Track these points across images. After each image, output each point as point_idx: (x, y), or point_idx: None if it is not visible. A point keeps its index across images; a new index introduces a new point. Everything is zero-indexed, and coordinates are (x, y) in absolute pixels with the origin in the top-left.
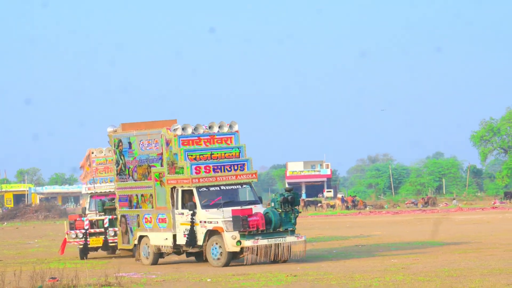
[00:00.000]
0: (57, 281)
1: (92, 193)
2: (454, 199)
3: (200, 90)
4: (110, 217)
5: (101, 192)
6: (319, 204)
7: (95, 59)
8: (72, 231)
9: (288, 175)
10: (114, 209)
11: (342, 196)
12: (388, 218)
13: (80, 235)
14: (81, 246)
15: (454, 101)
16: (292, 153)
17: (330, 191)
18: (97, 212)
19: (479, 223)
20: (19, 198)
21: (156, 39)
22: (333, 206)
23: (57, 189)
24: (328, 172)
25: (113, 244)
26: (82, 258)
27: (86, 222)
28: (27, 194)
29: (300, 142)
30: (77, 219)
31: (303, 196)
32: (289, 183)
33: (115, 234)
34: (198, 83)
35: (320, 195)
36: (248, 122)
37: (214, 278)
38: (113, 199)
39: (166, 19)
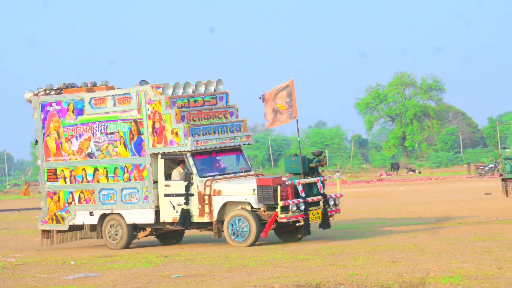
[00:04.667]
0: None
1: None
2: (337, 171)
3: None
4: (322, 179)
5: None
6: None
7: (95, 59)
8: (290, 201)
9: None
10: (322, 166)
11: None
12: None
13: (302, 207)
14: (301, 223)
15: (338, 67)
16: None
17: None
18: (303, 173)
19: (364, 196)
20: None
21: (156, 38)
22: None
23: None
24: None
25: (332, 219)
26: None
27: (300, 188)
28: None
29: None
30: (284, 182)
31: None
32: None
33: (335, 204)
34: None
35: None
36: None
37: (78, 261)
38: (321, 153)
39: (166, 19)
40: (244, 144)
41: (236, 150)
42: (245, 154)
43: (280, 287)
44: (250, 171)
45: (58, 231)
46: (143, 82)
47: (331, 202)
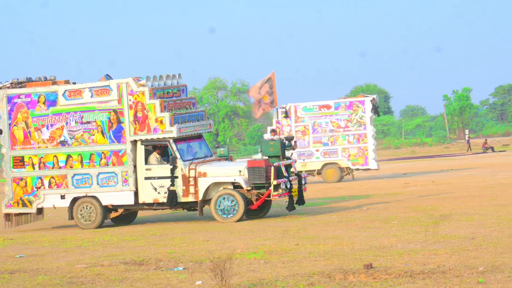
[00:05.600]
0: None
1: (181, 136)
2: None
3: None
4: (294, 161)
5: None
6: None
7: (95, 58)
8: (282, 181)
9: None
10: (294, 150)
11: None
12: None
13: (288, 185)
14: (287, 202)
15: (159, 69)
16: None
17: None
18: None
19: None
20: None
21: (156, 38)
22: None
23: None
24: None
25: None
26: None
27: (284, 169)
28: None
29: None
30: (273, 164)
31: None
32: None
33: (305, 183)
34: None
35: None
36: None
37: None
38: (292, 138)
39: (166, 19)
40: (206, 132)
41: (200, 137)
42: (206, 141)
43: (108, 264)
44: (212, 156)
45: (16, 215)
46: (108, 76)
47: (303, 182)
